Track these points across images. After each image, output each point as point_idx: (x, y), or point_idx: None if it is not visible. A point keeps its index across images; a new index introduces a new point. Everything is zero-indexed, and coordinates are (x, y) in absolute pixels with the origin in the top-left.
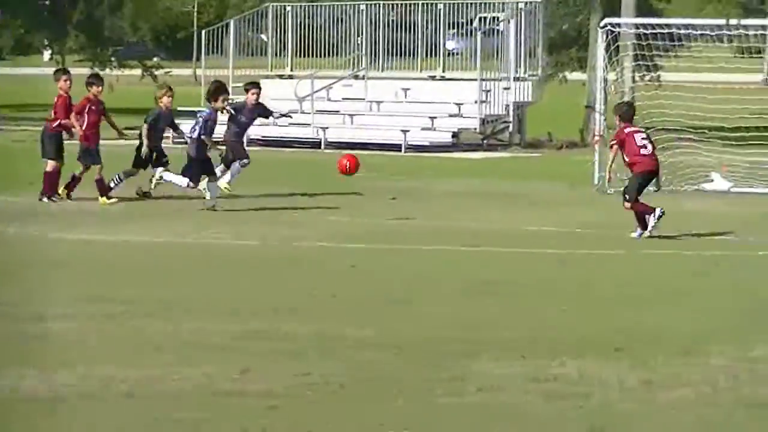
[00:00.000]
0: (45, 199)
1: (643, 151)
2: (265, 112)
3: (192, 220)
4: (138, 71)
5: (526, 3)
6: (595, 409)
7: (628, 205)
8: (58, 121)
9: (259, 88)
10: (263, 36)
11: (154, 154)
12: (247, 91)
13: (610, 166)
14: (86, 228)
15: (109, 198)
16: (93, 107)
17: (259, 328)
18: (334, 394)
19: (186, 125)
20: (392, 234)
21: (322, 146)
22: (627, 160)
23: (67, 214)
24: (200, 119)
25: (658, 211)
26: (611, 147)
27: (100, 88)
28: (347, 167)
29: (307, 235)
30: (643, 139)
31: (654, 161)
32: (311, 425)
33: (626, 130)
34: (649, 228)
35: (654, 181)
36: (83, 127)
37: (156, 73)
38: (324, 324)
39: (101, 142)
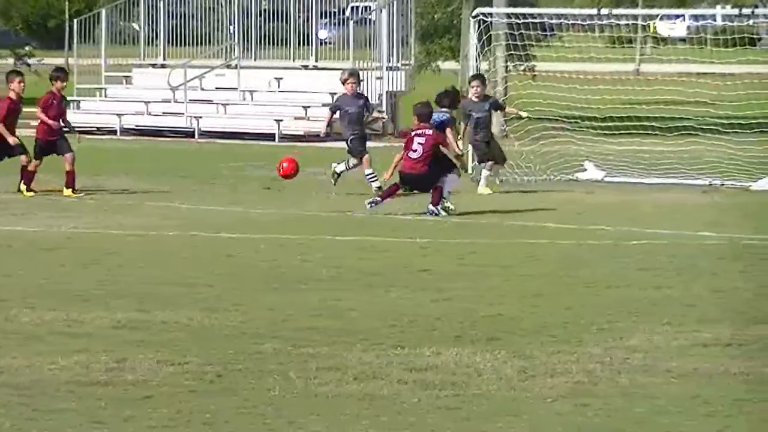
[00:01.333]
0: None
1: (411, 154)
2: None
3: (63, 211)
4: (10, 60)
5: None
6: (472, 398)
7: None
8: None
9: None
10: (135, 25)
11: None
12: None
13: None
14: None
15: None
16: (55, 102)
17: (131, 318)
18: (212, 384)
19: None
20: (265, 223)
21: (196, 135)
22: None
23: None
24: None
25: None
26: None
27: (65, 83)
28: (285, 170)
29: (177, 224)
30: (419, 144)
31: (416, 167)
32: (189, 415)
33: (413, 132)
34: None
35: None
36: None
37: (29, 61)
38: (198, 313)
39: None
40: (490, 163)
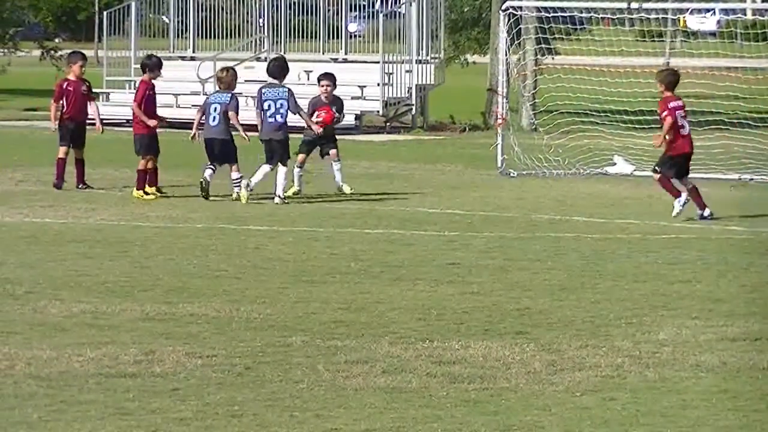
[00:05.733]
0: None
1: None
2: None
3: (91, 203)
4: (37, 53)
5: None
6: (500, 392)
7: None
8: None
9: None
10: (164, 17)
11: None
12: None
13: None
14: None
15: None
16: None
17: (158, 310)
18: (239, 376)
19: None
20: (293, 216)
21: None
22: None
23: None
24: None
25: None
26: None
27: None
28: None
29: (204, 216)
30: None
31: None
32: (217, 407)
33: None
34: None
35: None
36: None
37: (57, 54)
38: (225, 305)
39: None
40: None
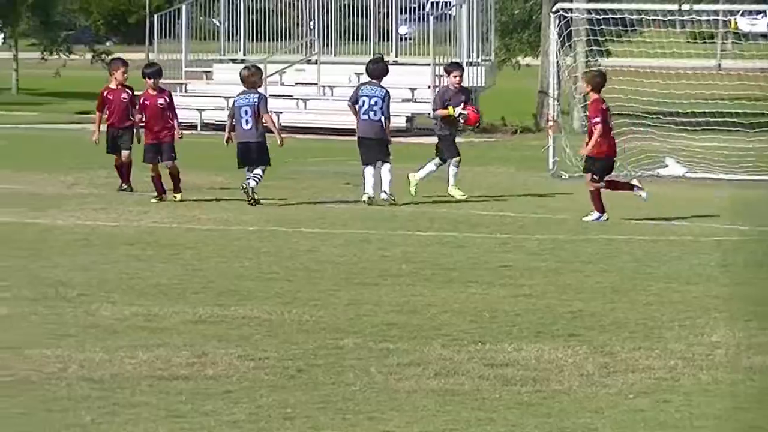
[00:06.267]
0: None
1: None
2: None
3: (142, 205)
4: (88, 56)
5: None
6: (553, 395)
7: None
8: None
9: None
10: (215, 20)
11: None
12: (448, 73)
13: None
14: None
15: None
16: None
17: (210, 312)
18: (292, 379)
19: None
20: (345, 218)
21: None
22: None
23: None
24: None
25: None
26: None
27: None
28: (469, 119)
29: (256, 219)
30: None
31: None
32: (269, 410)
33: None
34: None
35: None
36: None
37: (108, 58)
38: (277, 308)
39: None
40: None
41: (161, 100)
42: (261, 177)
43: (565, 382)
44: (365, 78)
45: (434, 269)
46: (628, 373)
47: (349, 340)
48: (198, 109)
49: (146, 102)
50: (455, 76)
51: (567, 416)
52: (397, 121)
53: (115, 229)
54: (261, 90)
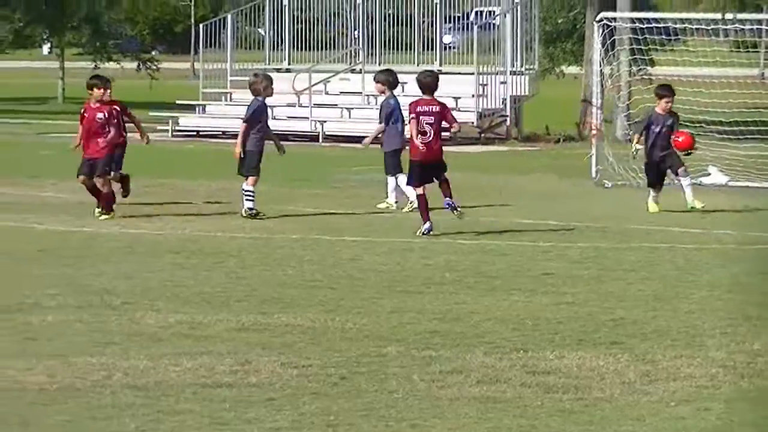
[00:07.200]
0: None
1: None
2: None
3: (185, 214)
4: (134, 65)
5: None
6: (594, 402)
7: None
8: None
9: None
10: (260, 30)
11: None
12: (660, 97)
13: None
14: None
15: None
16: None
17: (254, 320)
18: (335, 386)
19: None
20: (387, 227)
21: (320, 139)
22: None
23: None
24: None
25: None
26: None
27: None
28: (684, 144)
29: (299, 227)
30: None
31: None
32: (312, 417)
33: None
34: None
35: None
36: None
37: (155, 67)
38: (320, 315)
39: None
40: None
41: (100, 114)
42: (246, 192)
43: (607, 389)
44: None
45: (477, 277)
46: (669, 381)
47: (392, 347)
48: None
49: (85, 114)
50: (667, 101)
51: (609, 424)
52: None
53: (159, 237)
54: (268, 99)
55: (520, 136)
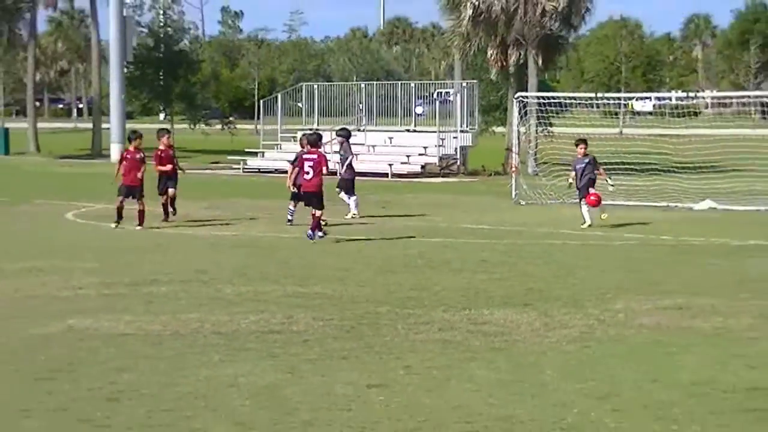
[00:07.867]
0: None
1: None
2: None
3: (251, 222)
4: (219, 126)
5: (467, 82)
6: (515, 342)
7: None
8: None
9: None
10: (299, 104)
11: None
12: (578, 146)
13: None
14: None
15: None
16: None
17: (296, 290)
18: (347, 333)
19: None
20: (381, 230)
21: (338, 174)
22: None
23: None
24: None
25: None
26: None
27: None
28: (593, 203)
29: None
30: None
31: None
32: (332, 352)
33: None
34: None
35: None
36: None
37: (233, 127)
38: (336, 287)
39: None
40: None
41: (138, 155)
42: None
43: (522, 334)
44: (396, 140)
45: (438, 262)
46: (562, 329)
47: (384, 308)
48: (288, 161)
49: (127, 156)
50: (581, 148)
51: (523, 356)
52: (415, 168)
53: (234, 237)
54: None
55: (466, 172)
